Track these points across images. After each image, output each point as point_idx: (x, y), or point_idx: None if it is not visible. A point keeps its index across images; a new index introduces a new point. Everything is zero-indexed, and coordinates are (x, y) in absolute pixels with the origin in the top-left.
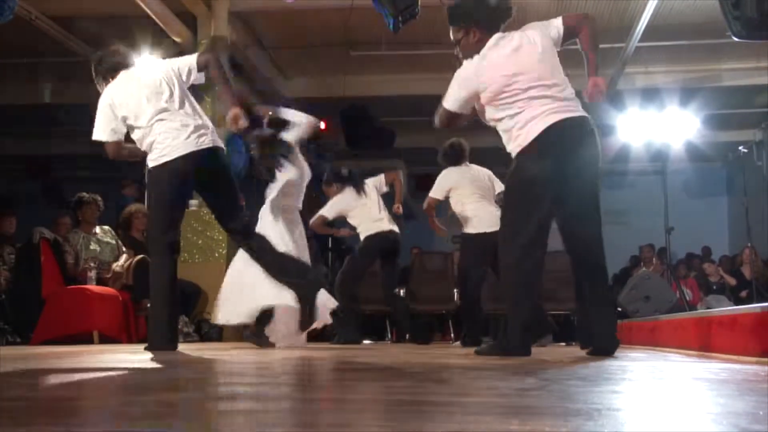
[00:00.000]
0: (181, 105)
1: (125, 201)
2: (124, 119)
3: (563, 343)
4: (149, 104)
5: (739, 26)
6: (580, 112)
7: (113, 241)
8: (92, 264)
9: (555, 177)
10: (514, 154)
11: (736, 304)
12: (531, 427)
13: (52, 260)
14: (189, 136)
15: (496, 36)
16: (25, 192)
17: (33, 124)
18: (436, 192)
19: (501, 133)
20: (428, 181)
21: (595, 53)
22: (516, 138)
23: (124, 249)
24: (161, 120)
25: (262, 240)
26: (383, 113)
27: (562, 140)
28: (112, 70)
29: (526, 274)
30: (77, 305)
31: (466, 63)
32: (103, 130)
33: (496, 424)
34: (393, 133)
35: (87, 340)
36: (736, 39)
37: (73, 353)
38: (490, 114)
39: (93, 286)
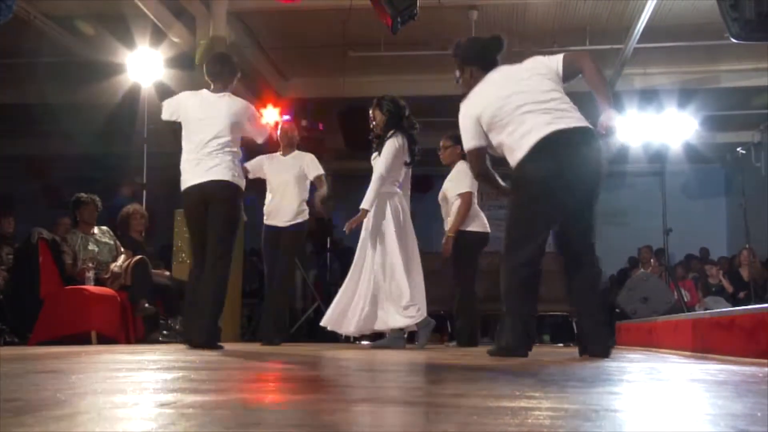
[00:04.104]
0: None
1: (121, 201)
2: None
3: (561, 344)
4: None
5: (738, 28)
6: (578, 123)
7: (111, 242)
8: (90, 264)
9: (554, 181)
10: (513, 168)
11: (735, 306)
12: (529, 428)
13: (50, 260)
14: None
15: (493, 70)
16: (23, 192)
17: (31, 124)
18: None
19: (506, 156)
20: (427, 182)
21: (602, 89)
22: (514, 152)
23: (122, 249)
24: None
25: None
26: None
27: (559, 147)
28: None
29: (530, 276)
30: (75, 305)
31: (462, 103)
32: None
33: (493, 425)
34: None
35: (85, 340)
36: (734, 40)
37: (71, 353)
38: (494, 140)
39: (91, 287)
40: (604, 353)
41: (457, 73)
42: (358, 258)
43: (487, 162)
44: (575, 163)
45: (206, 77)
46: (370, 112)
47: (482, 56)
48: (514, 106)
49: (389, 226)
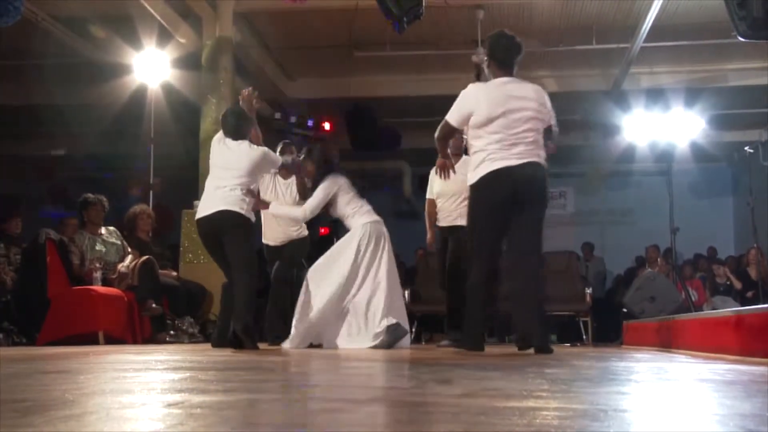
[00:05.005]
0: None
1: (129, 201)
2: None
3: (568, 344)
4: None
5: (745, 26)
6: (530, 158)
7: (119, 242)
8: (98, 265)
9: (498, 209)
10: (469, 187)
11: (743, 305)
12: (537, 428)
13: (57, 261)
14: None
15: (512, 78)
16: (30, 193)
17: (39, 125)
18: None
19: (472, 160)
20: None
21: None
22: (473, 171)
23: (129, 250)
24: None
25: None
26: (388, 114)
27: (506, 182)
28: None
29: (484, 290)
30: (83, 306)
31: (472, 84)
32: None
33: (501, 425)
34: (398, 134)
35: (92, 340)
36: (741, 39)
37: (78, 354)
38: (471, 136)
39: (98, 287)
40: (536, 345)
41: (484, 58)
42: (335, 274)
43: (449, 142)
44: (518, 191)
45: (222, 131)
46: (301, 162)
47: (501, 56)
48: (491, 129)
49: (378, 253)
